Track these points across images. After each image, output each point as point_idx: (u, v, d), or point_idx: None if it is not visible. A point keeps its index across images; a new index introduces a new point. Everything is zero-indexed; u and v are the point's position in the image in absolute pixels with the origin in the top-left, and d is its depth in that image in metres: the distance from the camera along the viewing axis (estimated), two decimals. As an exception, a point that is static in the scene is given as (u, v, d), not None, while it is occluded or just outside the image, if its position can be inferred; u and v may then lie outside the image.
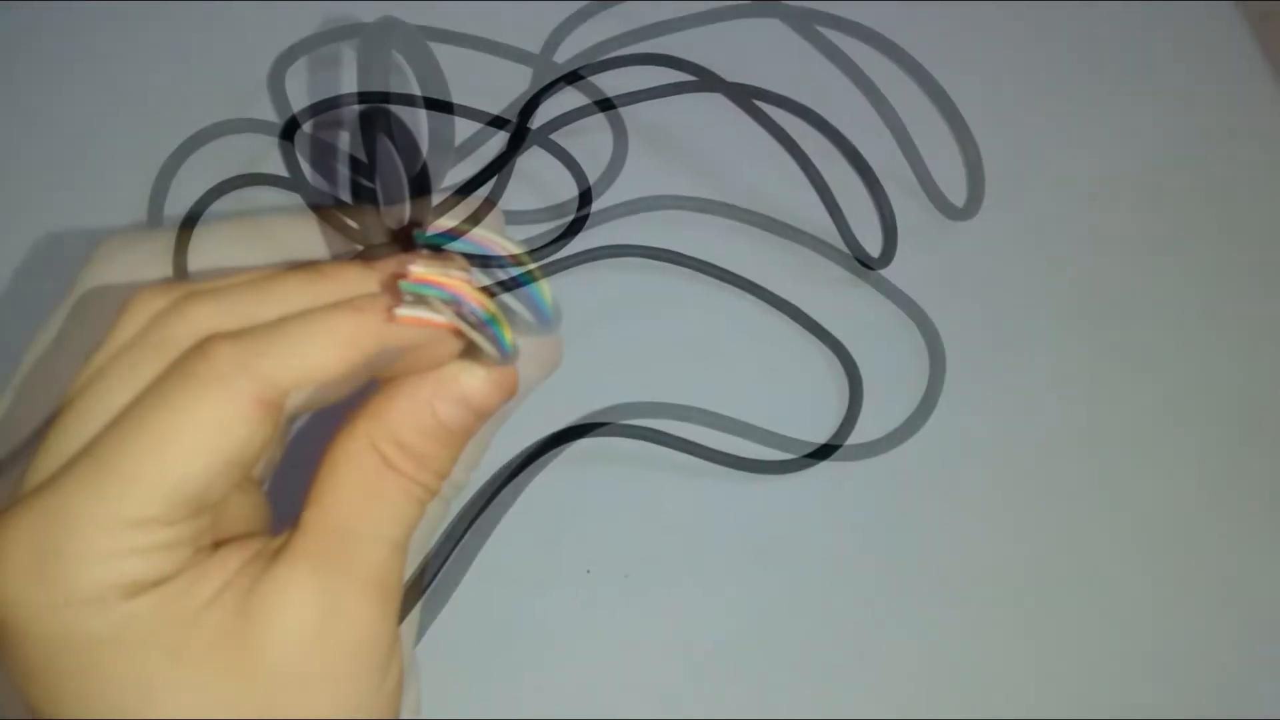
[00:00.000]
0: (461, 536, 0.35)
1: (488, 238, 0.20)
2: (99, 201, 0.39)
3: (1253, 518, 0.36)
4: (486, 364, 0.21)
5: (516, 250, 0.20)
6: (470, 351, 0.21)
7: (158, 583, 0.19)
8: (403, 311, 0.20)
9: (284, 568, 0.20)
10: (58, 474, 0.19)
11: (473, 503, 0.36)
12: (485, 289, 0.21)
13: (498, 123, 0.45)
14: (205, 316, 0.20)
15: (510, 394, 0.22)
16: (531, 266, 0.20)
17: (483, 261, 0.20)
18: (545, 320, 0.20)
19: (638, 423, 0.38)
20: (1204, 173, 0.43)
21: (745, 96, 0.43)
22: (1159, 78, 0.45)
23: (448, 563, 0.35)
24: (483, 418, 0.22)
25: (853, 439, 0.38)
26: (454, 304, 0.19)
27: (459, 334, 0.20)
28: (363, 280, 0.22)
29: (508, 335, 0.20)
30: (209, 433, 0.19)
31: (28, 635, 0.18)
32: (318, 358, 0.20)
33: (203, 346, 0.19)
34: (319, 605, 0.20)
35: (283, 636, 0.19)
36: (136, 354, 0.20)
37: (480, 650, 0.34)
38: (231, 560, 0.20)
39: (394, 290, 0.20)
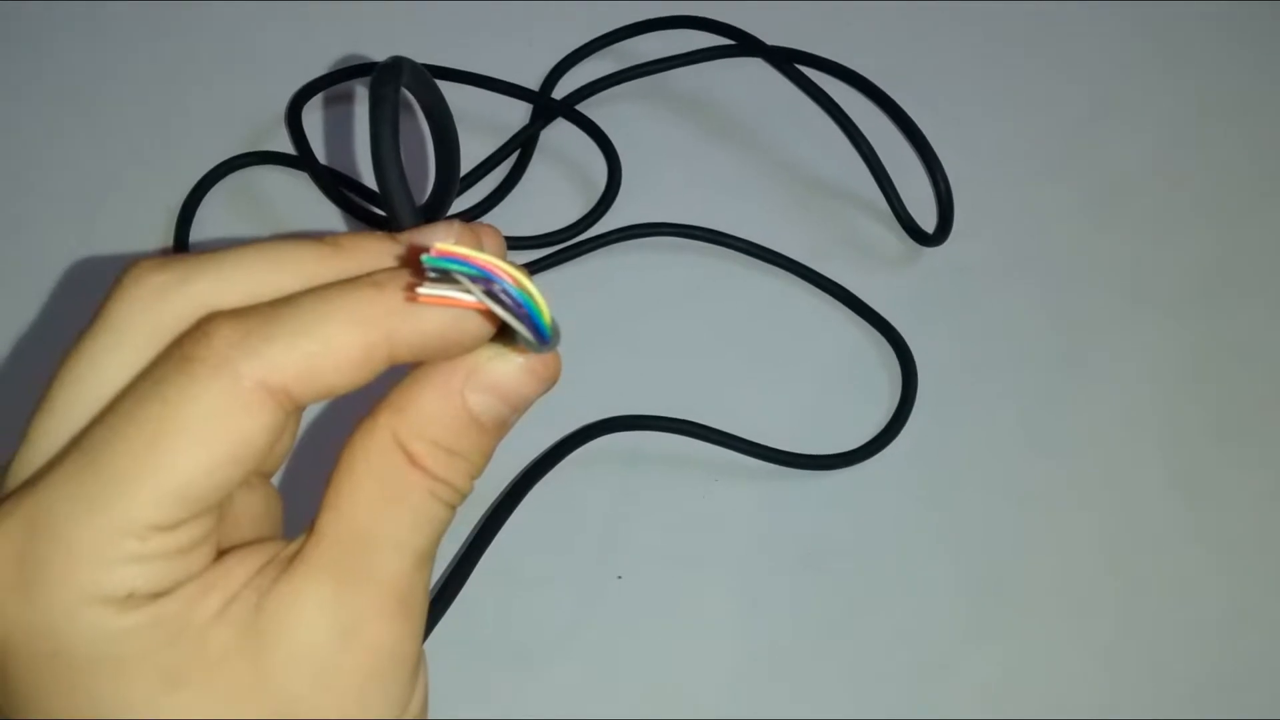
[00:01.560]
0: (495, 532, 0.34)
1: (489, 261, 0.18)
2: (124, 230, 0.40)
3: (1220, 519, 0.36)
4: (522, 350, 0.20)
5: (515, 271, 0.18)
6: (504, 335, 0.19)
7: (156, 596, 0.17)
8: (426, 290, 0.18)
9: (297, 580, 0.18)
10: (42, 472, 0.17)
11: (504, 496, 0.34)
12: (522, 266, 0.19)
13: (521, 94, 0.43)
14: (209, 292, 0.18)
15: (551, 383, 0.20)
16: (529, 287, 0.18)
17: (485, 282, 0.18)
18: (544, 340, 0.19)
19: (674, 416, 0.36)
20: (1181, 196, 0.44)
21: (787, 60, 0.41)
22: (1143, 101, 0.47)
23: (473, 564, 0.33)
24: (519, 410, 0.20)
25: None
26: (485, 282, 0.18)
27: (491, 316, 0.18)
28: (383, 254, 0.20)
29: (546, 317, 0.18)
30: (211, 426, 0.17)
31: (10, 653, 0.17)
32: (332, 341, 0.18)
33: (202, 327, 0.17)
34: (335, 623, 0.18)
35: (295, 658, 0.18)
36: (131, 334, 0.18)
37: (494, 649, 0.33)
38: (238, 570, 0.18)
39: (417, 266, 0.18)
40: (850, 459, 0.36)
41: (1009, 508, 0.36)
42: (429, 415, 0.19)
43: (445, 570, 0.33)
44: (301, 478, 0.24)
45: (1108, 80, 0.47)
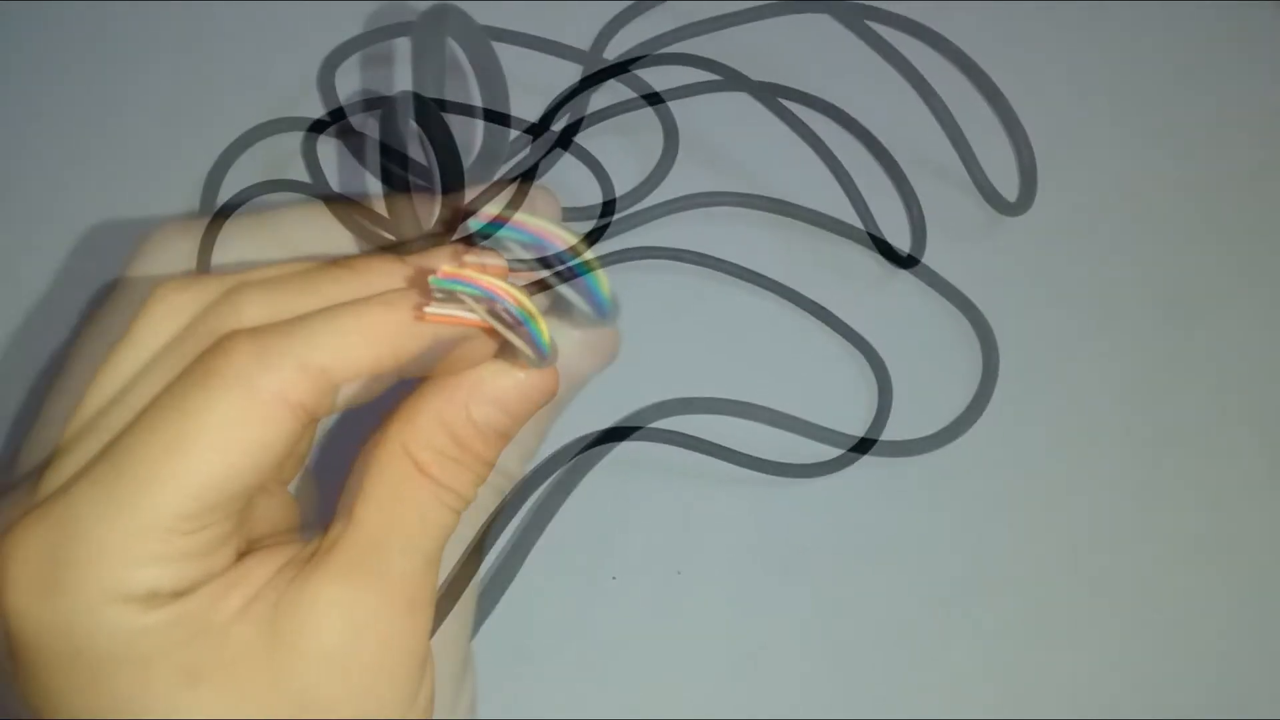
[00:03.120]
0: (497, 536, 0.35)
1: (543, 227, 0.19)
2: (152, 193, 0.40)
3: None
4: (523, 365, 0.21)
5: (573, 239, 0.19)
6: (507, 351, 0.20)
7: (177, 595, 0.18)
8: (433, 309, 0.19)
9: (314, 581, 0.19)
10: (73, 479, 0.18)
11: (504, 505, 0.35)
12: (524, 286, 0.19)
13: (523, 127, 0.44)
14: (230, 312, 0.20)
15: (550, 395, 0.21)
16: (589, 256, 0.19)
17: (538, 250, 0.19)
18: (603, 312, 0.20)
19: (671, 428, 0.36)
20: (1267, 166, 0.41)
21: (770, 95, 0.43)
22: (1217, 73, 0.43)
23: (501, 557, 0.34)
24: (520, 421, 0.21)
25: (895, 435, 0.36)
26: (488, 301, 0.19)
27: (494, 333, 0.20)
28: (393, 274, 0.21)
29: (545, 335, 0.19)
30: (230, 433, 0.18)
31: (37, 649, 0.18)
32: (344, 356, 0.19)
33: (223, 345, 0.19)
34: (349, 620, 0.19)
35: (311, 654, 0.19)
36: (157, 350, 0.20)
37: (530, 648, 0.34)
38: (258, 571, 0.19)
39: (425, 287, 0.19)
40: (829, 467, 0.36)
41: (1056, 508, 0.35)
42: (435, 426, 0.20)
43: (449, 574, 0.35)
44: (318, 483, 0.25)
45: (1199, 48, 0.43)
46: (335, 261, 0.21)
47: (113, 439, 0.18)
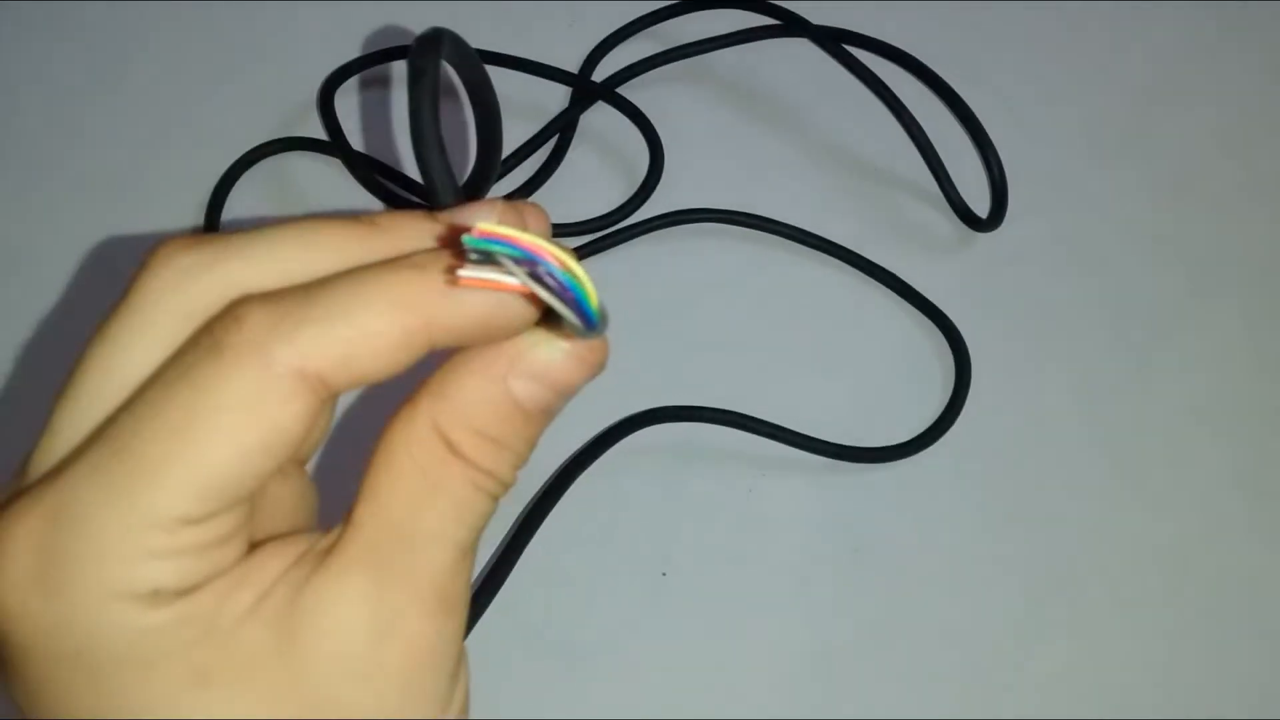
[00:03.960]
0: (539, 523, 0.33)
1: (534, 242, 0.18)
2: (156, 210, 0.40)
3: None
4: (568, 335, 0.19)
5: (560, 253, 0.18)
6: (549, 320, 0.19)
7: (185, 592, 0.17)
8: (467, 273, 0.17)
9: (332, 575, 0.18)
10: (66, 462, 0.17)
11: (547, 489, 0.34)
12: (569, 251, 0.18)
13: (560, 77, 0.42)
14: (240, 273, 0.18)
15: (598, 369, 0.20)
16: (576, 269, 0.18)
17: (530, 264, 0.18)
18: (592, 325, 0.18)
19: (719, 407, 0.35)
20: (1236, 178, 0.42)
21: (833, 40, 0.40)
22: (1190, 82, 0.45)
23: (513, 557, 0.33)
24: (566, 397, 0.20)
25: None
26: (529, 264, 0.17)
27: (535, 300, 0.18)
28: (424, 234, 0.19)
29: (594, 300, 0.18)
30: (242, 415, 0.16)
31: (32, 649, 0.17)
32: (370, 326, 0.17)
33: (234, 312, 0.17)
34: (373, 619, 0.18)
35: (331, 656, 0.17)
36: (159, 318, 0.18)
37: (536, 647, 0.33)
38: (271, 565, 0.18)
39: (458, 247, 0.18)
40: (901, 452, 0.35)
41: (1065, 502, 0.35)
42: (471, 403, 0.19)
43: (487, 565, 0.33)
44: (338, 466, 0.23)
45: (1169, 60, 0.45)
46: (359, 218, 0.20)
47: (111, 417, 0.17)
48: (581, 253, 0.39)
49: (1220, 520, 0.35)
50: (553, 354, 0.19)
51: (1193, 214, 0.41)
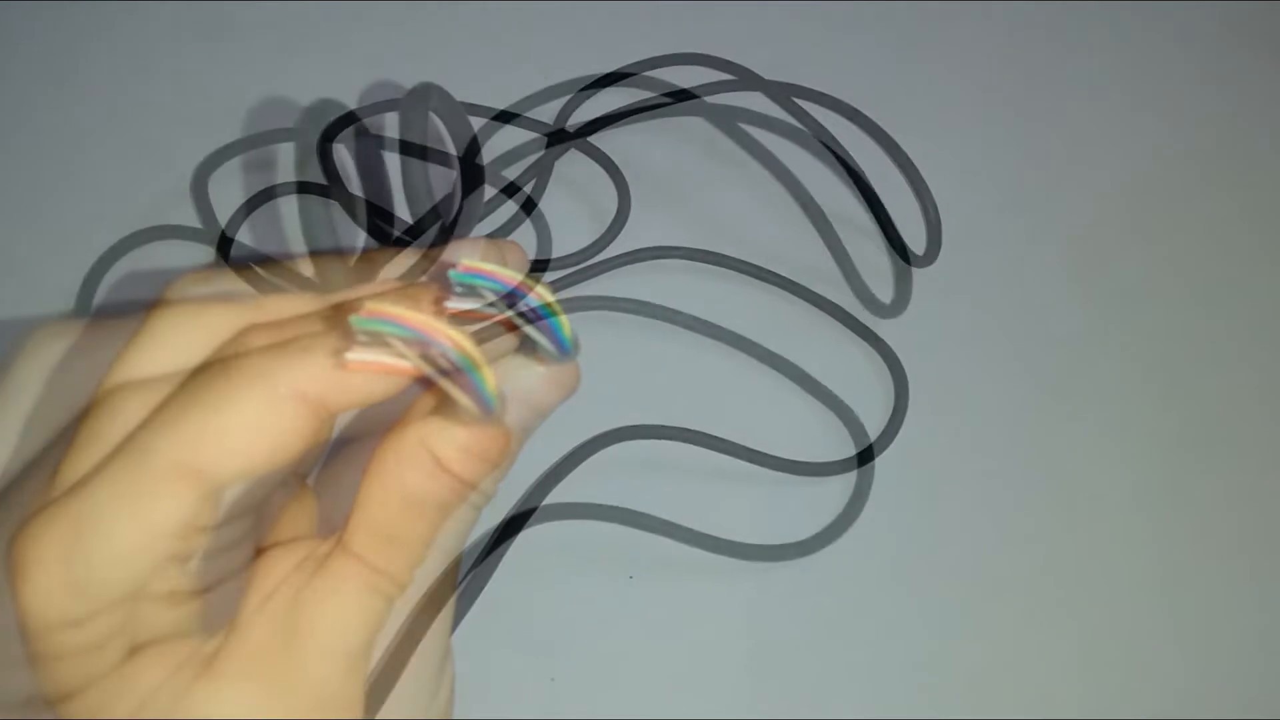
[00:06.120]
0: (514, 536, 0.35)
1: (512, 276, 0.18)
2: (27, 294, 0.40)
3: (1193, 524, 0.38)
4: (542, 360, 0.20)
5: (457, 335, 0.17)
6: (447, 404, 0.18)
7: (197, 593, 0.18)
8: (354, 356, 0.17)
9: (331, 578, 0.19)
10: (88, 475, 0.18)
11: (522, 501, 0.36)
12: (473, 331, 0.18)
13: (536, 127, 0.45)
14: (246, 307, 0.19)
15: (501, 455, 0.19)
16: (551, 300, 0.18)
17: (507, 297, 0.18)
18: (565, 352, 0.19)
19: (681, 426, 0.38)
20: (1169, 217, 0.45)
21: (785, 94, 0.43)
22: (1108, 129, 0.48)
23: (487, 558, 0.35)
24: (474, 484, 0.20)
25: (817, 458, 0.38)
26: (419, 345, 0.16)
27: (430, 383, 0.17)
28: (306, 309, 0.19)
29: (490, 385, 0.17)
30: (249, 432, 0.17)
31: (56, 646, 0.17)
32: (254, 418, 0.18)
33: (241, 340, 0.18)
34: (367, 619, 0.19)
35: (329, 652, 0.18)
36: (175, 344, 0.19)
37: (514, 646, 0.34)
38: (276, 568, 0.19)
39: (345, 329, 0.17)
40: (844, 467, 0.38)
41: (998, 518, 0.37)
42: (452, 426, 0.19)
43: (467, 570, 0.35)
44: (338, 476, 0.24)
45: (1095, 104, 0.48)
46: (242, 299, 0.20)
47: (130, 435, 0.18)
48: (556, 286, 0.41)
49: (1137, 533, 0.37)
50: (451, 442, 0.18)
51: (1109, 252, 0.44)
